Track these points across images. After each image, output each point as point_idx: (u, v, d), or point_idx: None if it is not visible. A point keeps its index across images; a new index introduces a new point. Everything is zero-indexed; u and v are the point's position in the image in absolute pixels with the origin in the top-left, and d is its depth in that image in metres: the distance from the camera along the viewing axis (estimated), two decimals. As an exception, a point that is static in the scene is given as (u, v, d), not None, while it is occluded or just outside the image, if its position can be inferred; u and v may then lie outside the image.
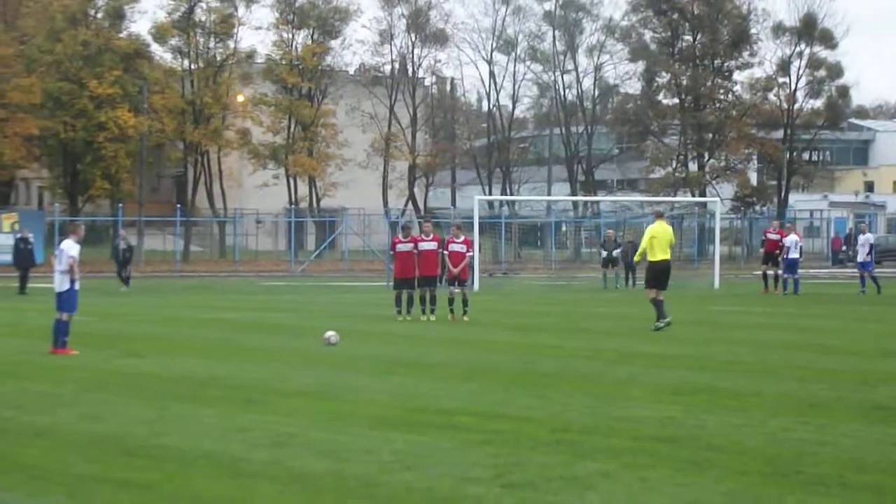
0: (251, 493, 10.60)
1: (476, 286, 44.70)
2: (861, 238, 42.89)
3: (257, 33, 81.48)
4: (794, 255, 41.20)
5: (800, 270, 42.20)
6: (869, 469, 11.26)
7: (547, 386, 17.02)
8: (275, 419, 14.16)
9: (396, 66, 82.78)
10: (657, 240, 26.86)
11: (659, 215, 28.40)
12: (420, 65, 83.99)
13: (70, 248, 21.73)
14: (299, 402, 15.60)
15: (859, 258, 41.90)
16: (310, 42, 79.35)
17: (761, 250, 44.93)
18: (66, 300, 21.65)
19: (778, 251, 41.69)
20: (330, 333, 22.83)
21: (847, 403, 15.24)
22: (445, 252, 30.46)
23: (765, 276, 42.74)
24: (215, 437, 13.01)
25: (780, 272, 41.56)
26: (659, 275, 26.96)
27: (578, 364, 19.89)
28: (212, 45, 78.45)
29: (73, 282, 21.71)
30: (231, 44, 78.69)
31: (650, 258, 27.06)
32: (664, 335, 25.30)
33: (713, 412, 14.54)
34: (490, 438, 12.84)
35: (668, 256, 27.02)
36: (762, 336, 25.43)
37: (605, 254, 48.55)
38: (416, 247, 29.99)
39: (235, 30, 78.47)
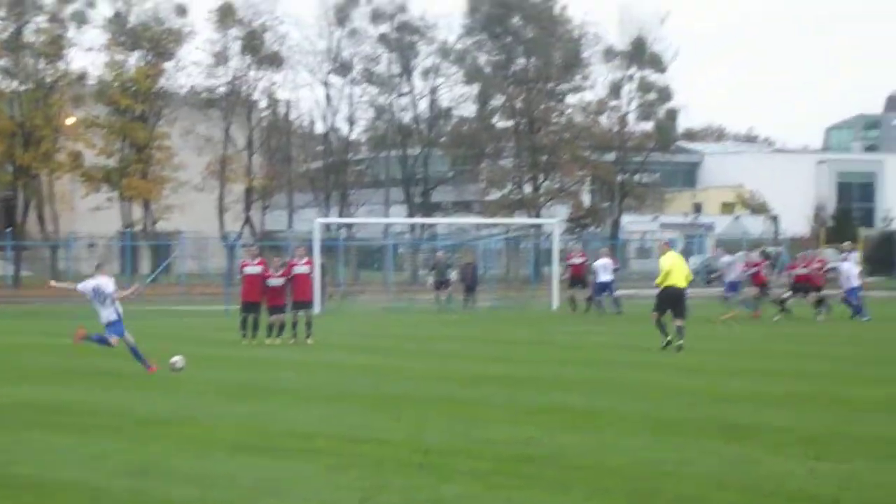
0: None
1: (318, 309, 44.55)
2: (597, 263, 43.17)
3: (88, 54, 79.65)
4: (604, 277, 42.12)
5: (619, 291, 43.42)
6: (729, 487, 11.42)
7: (402, 408, 17.00)
8: (132, 446, 13.91)
9: (231, 88, 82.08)
10: (678, 267, 27.86)
11: (669, 246, 29.73)
12: (255, 87, 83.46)
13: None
14: (155, 428, 15.35)
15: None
16: (143, 64, 78.32)
17: (565, 276, 45.59)
18: None
19: (584, 274, 43.18)
20: (176, 358, 22.49)
21: (703, 422, 15.47)
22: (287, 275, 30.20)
23: (571, 300, 43.58)
24: (73, 466, 12.73)
25: (592, 294, 42.68)
26: (669, 300, 27.66)
27: (431, 386, 19.91)
28: (41, 66, 76.97)
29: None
30: (62, 65, 77.27)
31: (666, 283, 27.83)
32: (510, 357, 25.46)
33: (572, 432, 14.66)
34: (351, 462, 12.77)
35: (681, 283, 27.78)
36: (609, 356, 25.74)
37: (432, 278, 48.20)
38: (290, 270, 29.77)
39: (66, 51, 77.07)
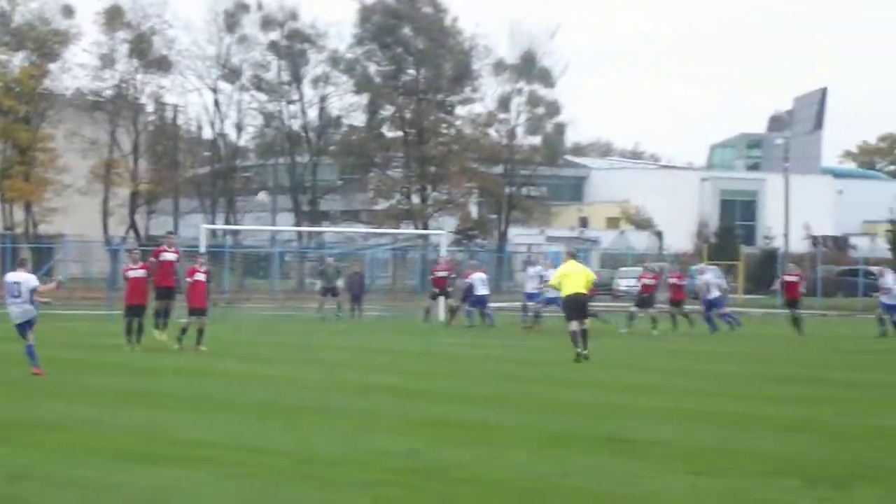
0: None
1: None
2: (530, 270, 43.95)
3: (-29, 54, 78.62)
4: (481, 291, 42.49)
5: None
6: (612, 502, 11.52)
7: (292, 417, 16.95)
8: (12, 451, 13.70)
9: (118, 91, 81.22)
10: (569, 276, 28.36)
11: (571, 255, 30.17)
12: (142, 91, 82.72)
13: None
14: (38, 434, 15.14)
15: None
16: (27, 64, 77.30)
17: (434, 290, 45.75)
18: None
19: (446, 286, 44.28)
20: None
21: (587, 435, 15.59)
22: (189, 280, 30.08)
23: (451, 311, 44.13)
24: (-51, 472, 12.51)
25: (465, 306, 43.13)
26: (572, 306, 28.20)
27: (321, 395, 19.86)
28: (-79, 65, 75.74)
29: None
30: (-59, 64, 76.09)
31: (564, 292, 28.41)
32: (398, 368, 25.49)
33: (458, 444, 14.69)
34: (239, 471, 12.69)
35: (580, 290, 28.24)
36: (496, 368, 25.85)
37: (319, 284, 47.94)
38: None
39: (-55, 50, 75.91)
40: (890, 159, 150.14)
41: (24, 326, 22.77)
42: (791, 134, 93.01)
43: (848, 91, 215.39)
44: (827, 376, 24.98)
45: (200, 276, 30.09)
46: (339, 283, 47.44)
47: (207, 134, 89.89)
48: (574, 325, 28.21)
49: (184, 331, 29.55)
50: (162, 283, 30.62)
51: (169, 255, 30.94)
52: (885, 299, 39.93)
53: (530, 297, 41.88)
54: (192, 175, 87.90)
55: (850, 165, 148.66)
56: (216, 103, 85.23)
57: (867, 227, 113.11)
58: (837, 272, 79.90)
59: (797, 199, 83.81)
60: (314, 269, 51.76)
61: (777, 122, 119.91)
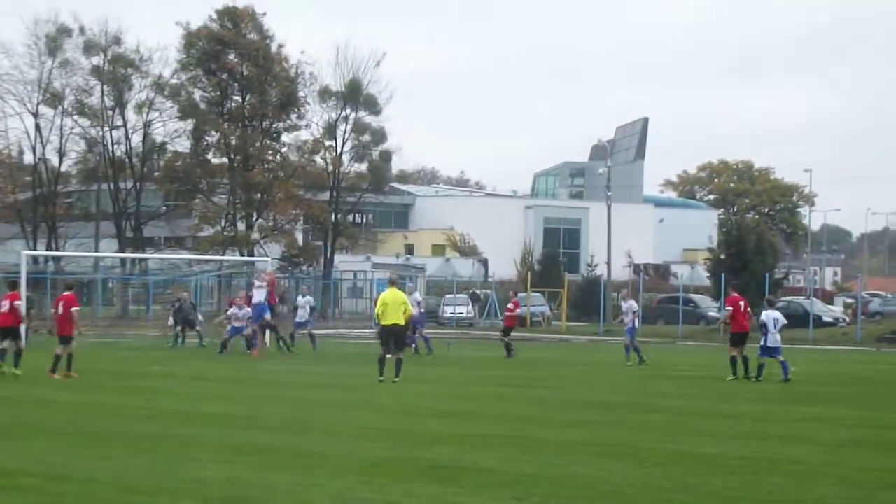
0: None
1: (24, 343, 43.30)
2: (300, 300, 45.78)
3: None
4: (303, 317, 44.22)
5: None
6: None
7: (108, 446, 16.70)
8: None
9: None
10: (389, 306, 29.22)
11: (392, 282, 30.86)
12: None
13: None
14: None
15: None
16: None
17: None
18: None
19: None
20: None
21: (409, 463, 15.61)
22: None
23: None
24: None
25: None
26: (389, 335, 29.17)
27: (138, 424, 19.59)
28: None
29: None
30: None
31: (382, 322, 29.35)
32: (220, 395, 25.28)
33: (278, 472, 14.62)
34: (56, 501, 12.51)
35: (399, 321, 29.21)
36: (314, 395, 25.79)
37: (171, 318, 47.81)
38: None
39: None
40: (709, 189, 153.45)
41: None
42: (613, 163, 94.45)
43: (668, 121, 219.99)
44: (646, 402, 25.38)
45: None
46: (199, 317, 47.79)
47: (28, 159, 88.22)
48: (387, 353, 28.82)
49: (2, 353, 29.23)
50: None
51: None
52: (627, 324, 40.49)
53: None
54: (12, 200, 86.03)
55: (671, 195, 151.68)
56: (37, 128, 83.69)
57: (687, 255, 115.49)
58: (658, 300, 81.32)
59: (619, 227, 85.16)
60: (169, 303, 51.36)
61: (599, 151, 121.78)
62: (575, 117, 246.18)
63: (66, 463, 15.15)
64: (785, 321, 33.06)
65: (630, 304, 41.12)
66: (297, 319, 44.54)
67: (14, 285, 32.74)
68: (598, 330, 70.04)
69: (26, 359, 30.19)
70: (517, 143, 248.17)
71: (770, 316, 32.17)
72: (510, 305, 43.62)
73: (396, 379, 28.65)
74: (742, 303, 33.30)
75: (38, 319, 48.87)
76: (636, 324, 40.53)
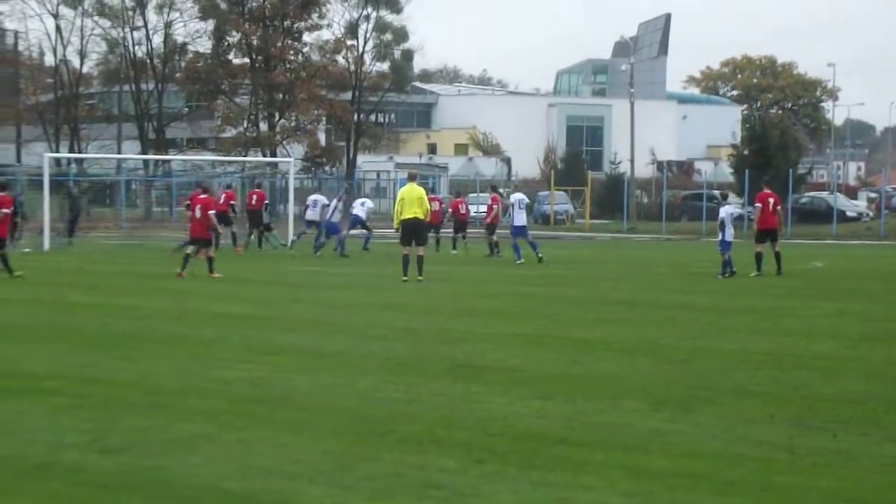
0: None
1: (47, 245, 43.53)
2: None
3: None
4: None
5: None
6: (458, 427, 11.58)
7: (132, 347, 16.77)
8: None
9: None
10: (405, 200, 29.13)
11: (410, 177, 30.46)
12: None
13: None
14: None
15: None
16: None
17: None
18: None
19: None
20: None
21: (430, 362, 15.66)
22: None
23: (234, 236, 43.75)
24: None
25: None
26: (409, 231, 29.05)
27: (164, 325, 19.68)
28: None
29: None
30: None
31: (401, 217, 29.26)
32: (243, 296, 25.35)
33: (302, 372, 14.68)
34: (80, 403, 12.54)
35: (417, 215, 29.05)
36: (337, 295, 25.82)
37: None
38: None
39: None
40: (732, 84, 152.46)
41: None
42: (636, 59, 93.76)
43: (691, 16, 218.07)
44: (668, 299, 25.38)
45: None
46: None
47: (49, 61, 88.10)
48: (407, 250, 28.81)
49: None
50: None
51: None
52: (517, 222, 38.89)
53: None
54: (34, 103, 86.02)
55: (694, 91, 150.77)
56: (58, 29, 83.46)
57: (711, 152, 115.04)
58: (682, 196, 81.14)
59: (642, 125, 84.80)
60: (160, 197, 51.19)
61: (622, 48, 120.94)
62: (598, 14, 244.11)
63: (91, 364, 15.22)
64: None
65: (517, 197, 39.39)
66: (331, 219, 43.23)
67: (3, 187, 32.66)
68: (622, 227, 70.00)
69: (49, 260, 30.23)
70: (540, 41, 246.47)
71: (727, 211, 32.65)
72: (489, 202, 43.21)
73: (420, 278, 28.71)
74: (772, 199, 33.09)
75: (61, 222, 48.84)
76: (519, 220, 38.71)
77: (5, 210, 30.36)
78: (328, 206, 43.02)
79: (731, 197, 75.62)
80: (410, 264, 29.02)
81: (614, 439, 11.07)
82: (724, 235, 31.73)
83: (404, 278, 28.81)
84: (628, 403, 12.75)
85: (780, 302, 24.76)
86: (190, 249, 31.01)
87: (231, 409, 12.23)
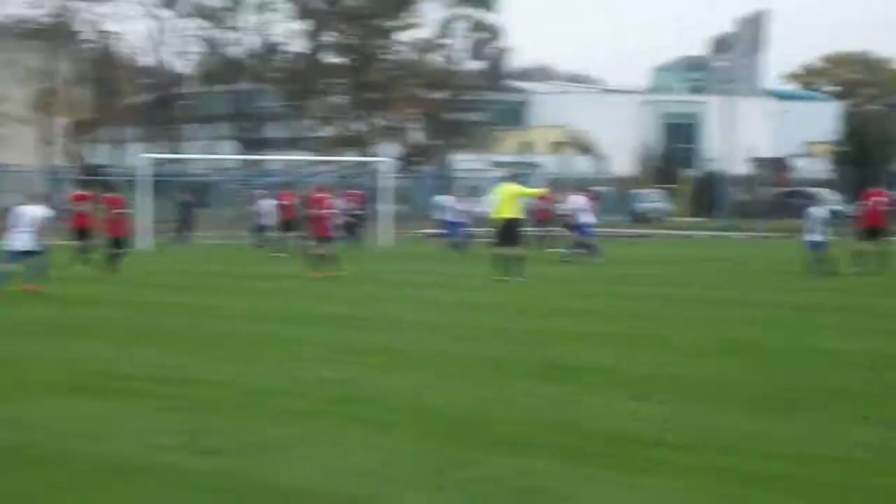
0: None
1: (146, 245, 43.97)
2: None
3: None
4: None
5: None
6: (551, 428, 11.47)
7: (224, 347, 16.84)
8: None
9: (57, 19, 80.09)
10: (502, 199, 29.01)
11: (508, 177, 31.00)
12: (82, 18, 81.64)
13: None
14: (-31, 369, 14.98)
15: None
16: (-37, -9, 76.17)
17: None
18: None
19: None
20: None
21: (525, 363, 15.55)
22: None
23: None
24: None
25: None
26: (504, 231, 28.90)
27: (257, 325, 19.74)
28: None
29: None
30: None
31: (496, 216, 29.18)
32: (336, 295, 25.42)
33: (394, 372, 14.64)
34: (175, 404, 12.56)
35: (511, 215, 28.79)
36: (428, 294, 25.82)
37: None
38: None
39: None
40: (831, 80, 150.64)
41: (21, 255, 24.46)
42: (733, 56, 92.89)
43: (789, 12, 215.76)
44: (764, 298, 25.11)
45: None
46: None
47: (148, 62, 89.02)
48: (501, 250, 28.67)
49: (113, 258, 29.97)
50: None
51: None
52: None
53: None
54: (133, 104, 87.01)
55: (792, 87, 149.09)
56: (156, 31, 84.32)
57: (808, 149, 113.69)
58: (779, 194, 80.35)
59: (739, 122, 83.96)
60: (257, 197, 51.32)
61: (719, 45, 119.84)
62: (695, 11, 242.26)
63: (184, 365, 15.26)
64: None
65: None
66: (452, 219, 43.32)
67: (110, 188, 33.44)
68: (718, 225, 69.42)
69: (147, 261, 30.53)
70: (635, 38, 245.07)
71: (818, 210, 32.16)
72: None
73: (519, 278, 28.54)
74: (882, 197, 32.80)
75: (159, 222, 49.35)
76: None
77: (117, 210, 30.96)
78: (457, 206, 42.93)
79: (829, 194, 74.78)
80: (506, 264, 28.92)
81: (710, 442, 10.93)
82: (815, 235, 31.37)
83: (500, 278, 28.71)
84: (723, 405, 12.59)
85: (877, 300, 24.40)
86: (317, 248, 31.29)
87: (323, 410, 12.22)
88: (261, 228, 46.56)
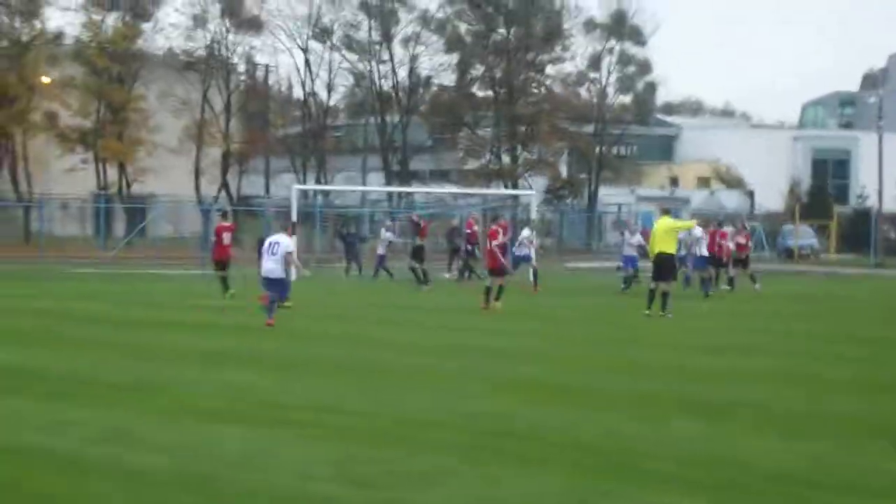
0: (88, 490, 10.30)
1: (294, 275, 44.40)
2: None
3: (66, 14, 79.62)
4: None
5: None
6: (703, 465, 11.36)
7: (379, 379, 16.94)
8: (101, 413, 13.76)
9: (210, 51, 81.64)
10: (656, 234, 29.23)
11: (664, 211, 30.26)
12: (234, 51, 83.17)
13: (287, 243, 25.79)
14: (126, 395, 15.21)
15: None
16: (120, 24, 77.90)
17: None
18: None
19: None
20: None
21: (678, 399, 15.41)
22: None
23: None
24: (40, 431, 12.60)
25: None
26: (656, 266, 28.99)
27: (410, 357, 19.81)
28: (17, 24, 76.49)
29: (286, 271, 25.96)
30: (38, 24, 76.82)
31: (652, 251, 29.38)
32: (488, 328, 25.44)
33: (547, 407, 14.61)
34: (327, 434, 12.68)
35: (666, 249, 28.91)
36: (577, 330, 25.69)
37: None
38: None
39: (42, 9, 76.71)
40: None
41: (270, 283, 25.53)
42: (885, 91, 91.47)
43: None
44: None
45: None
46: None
47: (298, 94, 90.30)
48: (654, 285, 28.62)
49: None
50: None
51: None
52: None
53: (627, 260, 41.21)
54: (282, 135, 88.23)
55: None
56: (307, 63, 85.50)
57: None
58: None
59: (891, 158, 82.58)
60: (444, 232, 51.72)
61: (871, 80, 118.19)
62: (845, 46, 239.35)
63: (339, 395, 15.37)
64: None
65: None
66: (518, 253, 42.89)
67: (226, 216, 34.49)
68: (870, 262, 68.23)
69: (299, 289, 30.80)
70: (786, 74, 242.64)
71: None
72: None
73: (662, 313, 28.36)
74: None
75: (307, 252, 49.89)
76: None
77: (228, 234, 32.31)
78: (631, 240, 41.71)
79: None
80: (655, 299, 28.76)
81: (861, 482, 10.77)
82: None
83: (647, 312, 28.54)
84: (875, 445, 12.38)
85: None
86: (490, 281, 31.44)
87: (475, 443, 12.23)
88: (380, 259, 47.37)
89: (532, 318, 28.75)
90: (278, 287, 25.60)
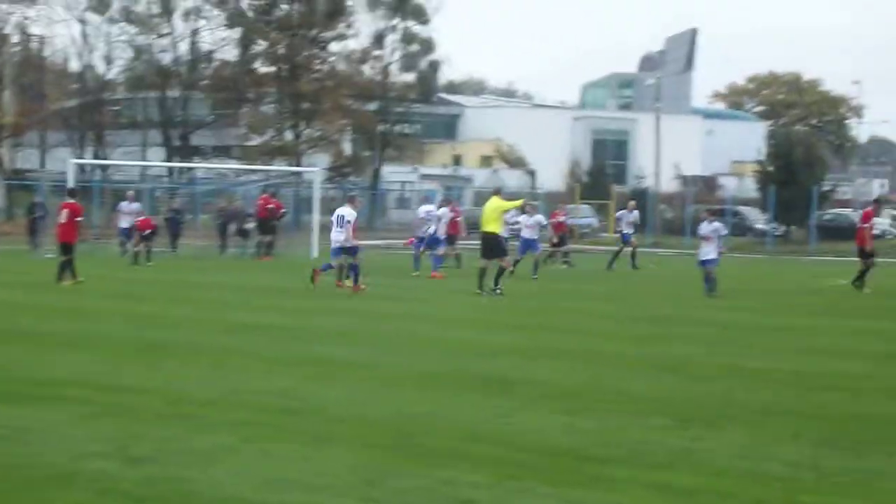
0: None
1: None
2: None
3: None
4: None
5: None
6: (486, 440, 11.44)
7: (158, 356, 16.68)
8: None
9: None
10: (484, 213, 29.90)
11: (496, 191, 31.46)
12: (7, 21, 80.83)
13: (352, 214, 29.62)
14: None
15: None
16: None
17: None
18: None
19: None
20: None
21: (463, 375, 15.51)
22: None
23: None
24: None
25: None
26: (483, 245, 29.69)
27: (189, 334, 19.58)
28: None
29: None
30: None
31: (481, 229, 29.86)
32: (270, 307, 25.29)
33: (332, 384, 14.57)
34: (104, 411, 12.44)
35: (491, 229, 29.50)
36: (374, 307, 25.69)
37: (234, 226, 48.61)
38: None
39: None
40: (758, 100, 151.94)
41: (338, 251, 29.64)
42: (662, 74, 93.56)
43: (718, 32, 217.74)
44: (694, 315, 25.26)
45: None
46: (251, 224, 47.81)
47: (75, 66, 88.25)
48: (482, 263, 28.98)
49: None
50: None
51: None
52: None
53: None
54: (59, 108, 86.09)
55: (720, 106, 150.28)
56: (84, 35, 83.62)
57: (735, 168, 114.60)
58: (706, 211, 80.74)
59: (668, 139, 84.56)
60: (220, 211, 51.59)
61: (648, 62, 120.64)
62: (623, 27, 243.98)
63: (115, 372, 15.12)
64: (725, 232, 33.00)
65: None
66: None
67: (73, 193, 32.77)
68: (646, 242, 69.75)
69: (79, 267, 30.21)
70: (566, 55, 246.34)
71: (708, 228, 31.98)
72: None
73: (496, 289, 28.70)
74: (863, 218, 33.64)
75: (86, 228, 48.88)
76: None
77: (79, 218, 30.69)
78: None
79: (755, 212, 75.48)
80: (484, 277, 29.19)
81: (642, 456, 10.98)
82: (707, 251, 31.32)
83: (478, 291, 28.85)
84: (656, 420, 12.65)
85: (806, 319, 24.65)
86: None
87: (257, 420, 12.12)
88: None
89: (311, 296, 28.60)
90: (351, 253, 29.26)
